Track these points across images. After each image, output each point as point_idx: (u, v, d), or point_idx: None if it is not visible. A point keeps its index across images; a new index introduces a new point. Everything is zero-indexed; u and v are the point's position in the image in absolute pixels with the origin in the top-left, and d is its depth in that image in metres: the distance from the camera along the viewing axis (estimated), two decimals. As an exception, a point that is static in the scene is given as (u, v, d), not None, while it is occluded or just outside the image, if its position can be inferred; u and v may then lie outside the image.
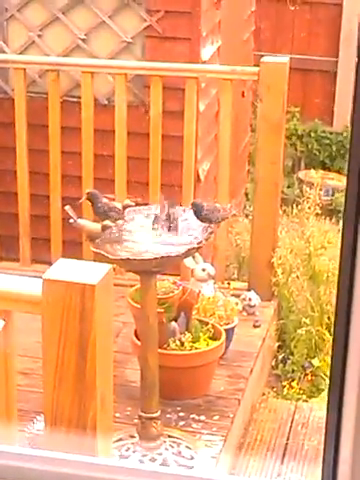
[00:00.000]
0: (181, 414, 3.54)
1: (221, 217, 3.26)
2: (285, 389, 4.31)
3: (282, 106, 4.27)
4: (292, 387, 4.30)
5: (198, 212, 3.16)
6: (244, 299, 4.32)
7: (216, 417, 3.54)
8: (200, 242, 3.00)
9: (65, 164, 4.54)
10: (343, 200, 1.03)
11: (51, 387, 1.93)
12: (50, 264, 4.50)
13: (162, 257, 2.86)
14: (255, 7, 6.48)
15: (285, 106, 4.32)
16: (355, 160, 0.99)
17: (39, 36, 4.74)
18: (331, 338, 4.43)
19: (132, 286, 3.81)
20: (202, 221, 3.17)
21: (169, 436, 3.28)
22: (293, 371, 4.43)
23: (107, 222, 3.05)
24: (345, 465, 1.06)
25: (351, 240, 1.00)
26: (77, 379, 1.90)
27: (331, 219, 5.56)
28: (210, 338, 3.65)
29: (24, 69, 4.45)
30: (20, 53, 4.76)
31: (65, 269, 1.89)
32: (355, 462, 1.06)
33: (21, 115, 4.46)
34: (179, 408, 3.57)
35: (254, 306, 4.33)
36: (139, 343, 3.30)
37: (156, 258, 2.86)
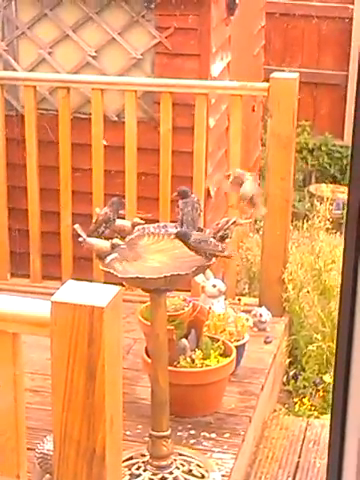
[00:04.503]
0: (192, 432, 3.52)
1: (209, 252, 2.95)
2: (296, 405, 4.29)
3: (292, 122, 4.27)
4: (303, 403, 4.28)
5: (185, 241, 2.96)
6: (255, 315, 4.31)
7: (227, 435, 3.52)
8: (209, 260, 2.99)
9: (75, 180, 4.55)
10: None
11: (60, 408, 1.92)
12: (61, 280, 4.52)
13: (171, 275, 2.86)
14: (265, 22, 6.50)
15: (295, 122, 4.32)
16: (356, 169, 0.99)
17: (49, 53, 4.76)
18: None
19: (143, 302, 3.80)
20: (190, 250, 2.97)
21: (180, 454, 3.27)
22: (304, 387, 4.41)
23: (116, 240, 3.05)
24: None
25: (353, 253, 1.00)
26: (86, 401, 1.89)
27: (341, 233, 5.55)
28: (221, 355, 3.63)
29: (34, 86, 4.47)
30: (30, 70, 4.78)
31: (74, 291, 1.88)
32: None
33: (31, 132, 4.48)
34: (190, 426, 3.55)
35: (265, 322, 4.31)
36: (149, 361, 3.30)
37: (165, 276, 2.85)
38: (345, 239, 1.01)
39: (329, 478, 1.12)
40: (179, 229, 3.08)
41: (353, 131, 0.97)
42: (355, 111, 0.95)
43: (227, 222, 3.07)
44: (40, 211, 4.59)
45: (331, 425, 1.08)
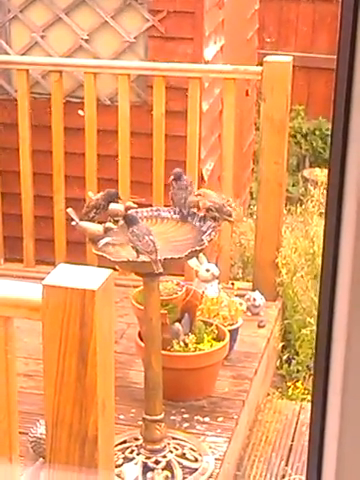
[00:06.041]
0: (185, 416, 3.53)
1: (137, 247, 2.87)
2: (290, 389, 4.30)
3: (286, 106, 4.25)
4: (297, 387, 4.29)
5: (127, 227, 2.96)
6: (248, 299, 4.31)
7: (220, 418, 3.53)
8: (202, 244, 2.99)
9: (68, 164, 4.53)
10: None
11: (52, 392, 1.92)
12: (54, 265, 4.52)
13: (164, 259, 2.85)
14: (259, 5, 6.46)
15: (289, 106, 4.31)
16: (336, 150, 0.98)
17: (42, 37, 4.74)
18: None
19: (136, 287, 3.80)
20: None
21: (173, 438, 3.28)
22: (298, 371, 4.42)
23: (109, 224, 3.04)
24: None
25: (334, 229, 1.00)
26: (78, 384, 1.89)
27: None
28: (214, 339, 3.64)
29: (27, 70, 4.45)
30: (23, 54, 4.75)
31: (65, 274, 1.87)
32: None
33: (24, 116, 4.46)
34: (183, 409, 3.56)
35: (258, 306, 4.32)
36: (143, 345, 3.30)
37: (158, 260, 2.84)
38: (325, 223, 1.01)
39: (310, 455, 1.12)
40: (129, 213, 3.05)
41: (332, 112, 0.96)
42: (334, 94, 0.95)
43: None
44: (33, 195, 4.58)
45: (312, 410, 1.09)
